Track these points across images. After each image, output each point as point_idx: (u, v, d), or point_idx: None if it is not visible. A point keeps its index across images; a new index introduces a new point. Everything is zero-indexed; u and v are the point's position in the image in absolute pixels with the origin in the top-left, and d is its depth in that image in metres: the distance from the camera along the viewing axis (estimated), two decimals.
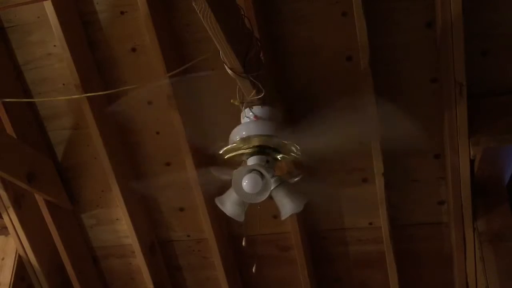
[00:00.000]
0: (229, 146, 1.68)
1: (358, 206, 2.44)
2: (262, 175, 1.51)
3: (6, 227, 2.69)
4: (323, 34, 2.10)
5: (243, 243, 1.72)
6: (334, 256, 2.63)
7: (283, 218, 1.75)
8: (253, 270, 1.81)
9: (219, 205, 1.72)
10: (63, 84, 2.43)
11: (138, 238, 2.67)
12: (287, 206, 1.71)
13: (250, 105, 1.70)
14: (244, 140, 1.64)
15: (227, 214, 1.71)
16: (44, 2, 2.11)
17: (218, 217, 2.58)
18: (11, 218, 2.62)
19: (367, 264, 2.60)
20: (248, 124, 1.68)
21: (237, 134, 1.66)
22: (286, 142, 1.65)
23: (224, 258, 2.66)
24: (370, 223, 2.47)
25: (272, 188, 1.68)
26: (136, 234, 2.65)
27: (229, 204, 1.70)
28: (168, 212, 2.70)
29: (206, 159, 1.89)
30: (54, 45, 2.35)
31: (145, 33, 2.19)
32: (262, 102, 1.69)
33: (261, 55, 1.73)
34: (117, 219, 2.76)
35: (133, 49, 2.30)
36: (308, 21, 2.08)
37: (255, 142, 1.64)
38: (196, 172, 2.38)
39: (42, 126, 2.58)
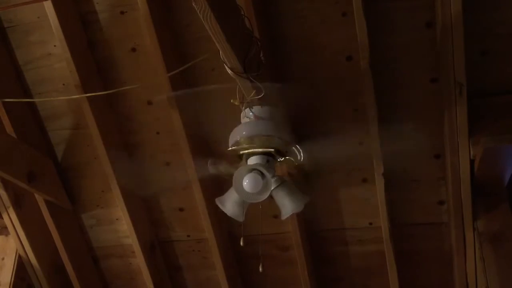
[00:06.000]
0: (229, 149, 1.68)
1: (358, 206, 2.44)
2: (262, 175, 1.51)
3: (6, 227, 2.70)
4: (323, 34, 2.10)
5: (241, 243, 1.72)
6: (334, 256, 2.63)
7: (283, 218, 1.75)
8: (260, 269, 1.81)
9: (219, 205, 1.72)
10: (63, 84, 2.43)
11: (138, 238, 2.67)
12: (287, 206, 1.71)
13: (250, 105, 1.70)
14: (244, 140, 1.64)
15: (228, 214, 1.71)
16: (44, 2, 2.11)
17: (218, 217, 2.58)
18: (11, 218, 2.62)
19: (367, 264, 2.60)
20: (248, 124, 1.68)
21: (237, 134, 1.66)
22: (286, 141, 1.65)
23: (224, 258, 2.66)
24: (370, 223, 2.47)
25: (272, 188, 1.68)
26: (136, 234, 2.65)
27: (229, 204, 1.70)
28: (168, 212, 2.70)
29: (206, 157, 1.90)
30: (54, 45, 2.35)
31: (145, 33, 2.18)
32: (262, 102, 1.69)
33: (261, 55, 1.73)
34: (117, 219, 2.76)
35: (133, 49, 2.30)
36: (308, 21, 2.08)
37: (255, 142, 1.64)
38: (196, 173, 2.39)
39: (42, 126, 2.58)
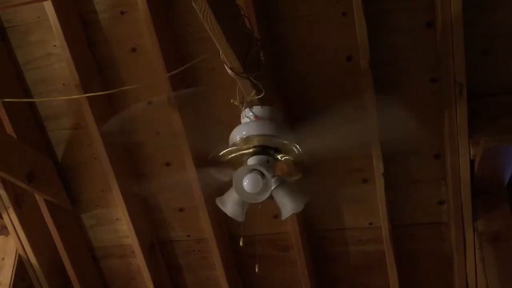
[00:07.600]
0: (229, 148, 1.68)
1: (358, 206, 2.44)
2: (262, 175, 1.51)
3: (6, 227, 2.70)
4: (323, 34, 2.10)
5: (241, 243, 1.72)
6: (334, 256, 2.63)
7: (283, 218, 1.75)
8: (256, 269, 1.81)
9: (219, 205, 1.72)
10: (63, 84, 2.43)
11: (138, 238, 2.67)
12: (287, 206, 1.71)
13: (250, 105, 1.70)
14: (244, 140, 1.64)
15: (228, 214, 1.71)
16: (44, 2, 2.11)
17: (218, 217, 2.57)
18: (11, 218, 2.62)
19: (367, 264, 2.60)
20: (248, 124, 1.68)
21: (237, 134, 1.66)
22: (286, 142, 1.65)
23: (224, 258, 2.66)
24: (370, 223, 2.47)
25: (272, 188, 1.68)
26: (136, 234, 2.65)
27: (229, 204, 1.70)
28: (168, 212, 2.70)
29: (206, 159, 1.89)
30: (54, 45, 2.35)
31: (145, 33, 2.19)
32: (262, 102, 1.69)
33: (261, 55, 1.73)
34: (117, 219, 2.76)
35: (133, 49, 2.30)
36: (308, 21, 2.09)
37: (255, 142, 1.64)
38: (196, 173, 2.38)
39: (42, 126, 2.58)
